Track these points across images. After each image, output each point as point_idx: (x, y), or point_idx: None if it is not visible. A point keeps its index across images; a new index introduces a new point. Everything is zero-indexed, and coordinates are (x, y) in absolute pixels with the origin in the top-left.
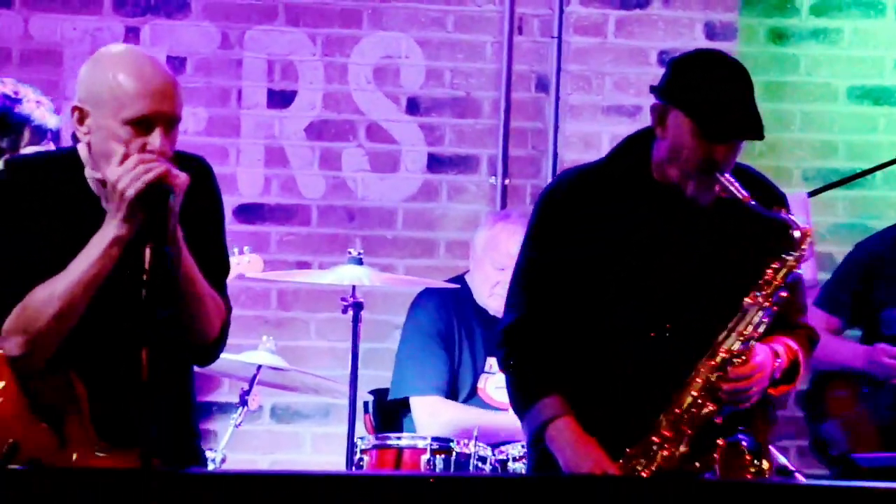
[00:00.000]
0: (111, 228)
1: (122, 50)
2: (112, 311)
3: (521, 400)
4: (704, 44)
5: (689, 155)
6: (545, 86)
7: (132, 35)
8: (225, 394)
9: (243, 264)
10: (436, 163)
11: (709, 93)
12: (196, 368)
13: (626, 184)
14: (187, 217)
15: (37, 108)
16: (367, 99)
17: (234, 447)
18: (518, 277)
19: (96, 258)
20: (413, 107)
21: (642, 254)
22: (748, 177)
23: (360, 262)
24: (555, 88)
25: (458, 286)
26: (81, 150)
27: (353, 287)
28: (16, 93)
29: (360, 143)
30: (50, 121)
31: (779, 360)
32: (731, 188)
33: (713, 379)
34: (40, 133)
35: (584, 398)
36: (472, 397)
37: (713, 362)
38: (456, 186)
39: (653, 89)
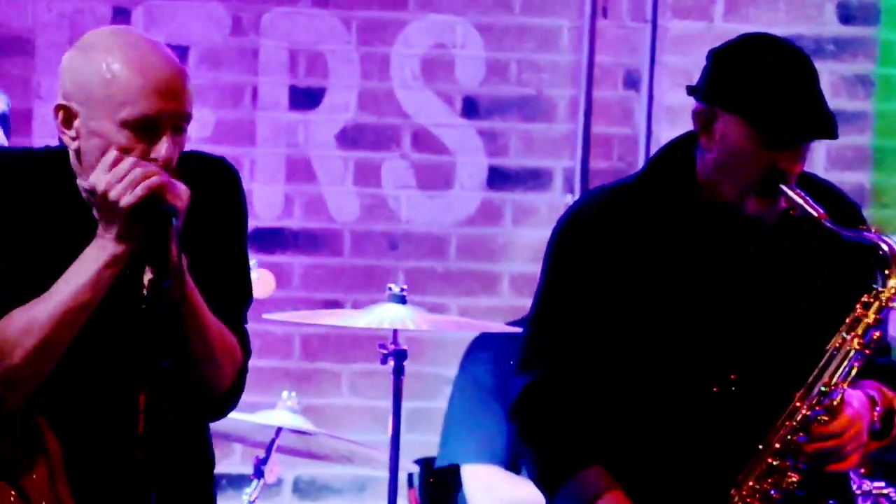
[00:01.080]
0: (105, 245)
1: (116, 32)
2: (98, 346)
3: (552, 476)
4: (837, 29)
5: (747, 167)
6: (635, 82)
7: (121, 18)
8: (236, 463)
9: None
10: (498, 177)
11: (765, 87)
12: None
13: (669, 199)
14: (203, 231)
15: None
16: (413, 98)
17: None
18: (534, 326)
19: (88, 280)
20: (470, 108)
21: (695, 286)
22: (817, 187)
23: (403, 300)
24: (647, 85)
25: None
26: (72, 154)
27: (395, 332)
28: None
29: (405, 153)
30: None
31: (877, 409)
32: (802, 203)
33: (794, 441)
34: None
35: (632, 470)
36: None
37: (793, 422)
38: (523, 207)
39: (692, 91)
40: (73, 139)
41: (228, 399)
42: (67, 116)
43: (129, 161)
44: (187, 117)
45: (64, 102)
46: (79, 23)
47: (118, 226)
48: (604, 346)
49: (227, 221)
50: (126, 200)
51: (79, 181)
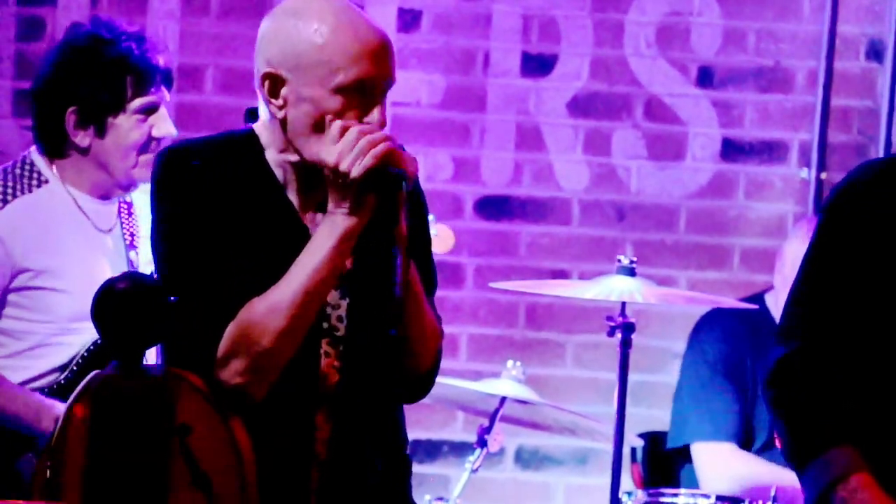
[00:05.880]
0: (339, 220)
1: None
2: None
3: (800, 451)
4: None
5: None
6: (879, 53)
7: None
8: (459, 431)
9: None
10: (732, 149)
11: None
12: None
13: None
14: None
15: (137, 45)
16: (646, 67)
17: (469, 497)
18: (797, 297)
19: (325, 257)
20: (705, 78)
21: None
22: None
23: (631, 272)
24: (892, 57)
25: (756, 307)
26: (260, 129)
27: (623, 304)
28: (110, 31)
29: (636, 123)
30: (159, 59)
31: None
32: None
33: None
34: (147, 76)
35: (884, 452)
36: (770, 449)
37: None
38: (757, 180)
39: None
40: (280, 107)
41: (430, 378)
42: (274, 85)
43: (355, 130)
44: (393, 82)
45: (271, 70)
46: None
47: (351, 198)
48: (866, 324)
49: (412, 206)
50: (357, 170)
51: (270, 154)
